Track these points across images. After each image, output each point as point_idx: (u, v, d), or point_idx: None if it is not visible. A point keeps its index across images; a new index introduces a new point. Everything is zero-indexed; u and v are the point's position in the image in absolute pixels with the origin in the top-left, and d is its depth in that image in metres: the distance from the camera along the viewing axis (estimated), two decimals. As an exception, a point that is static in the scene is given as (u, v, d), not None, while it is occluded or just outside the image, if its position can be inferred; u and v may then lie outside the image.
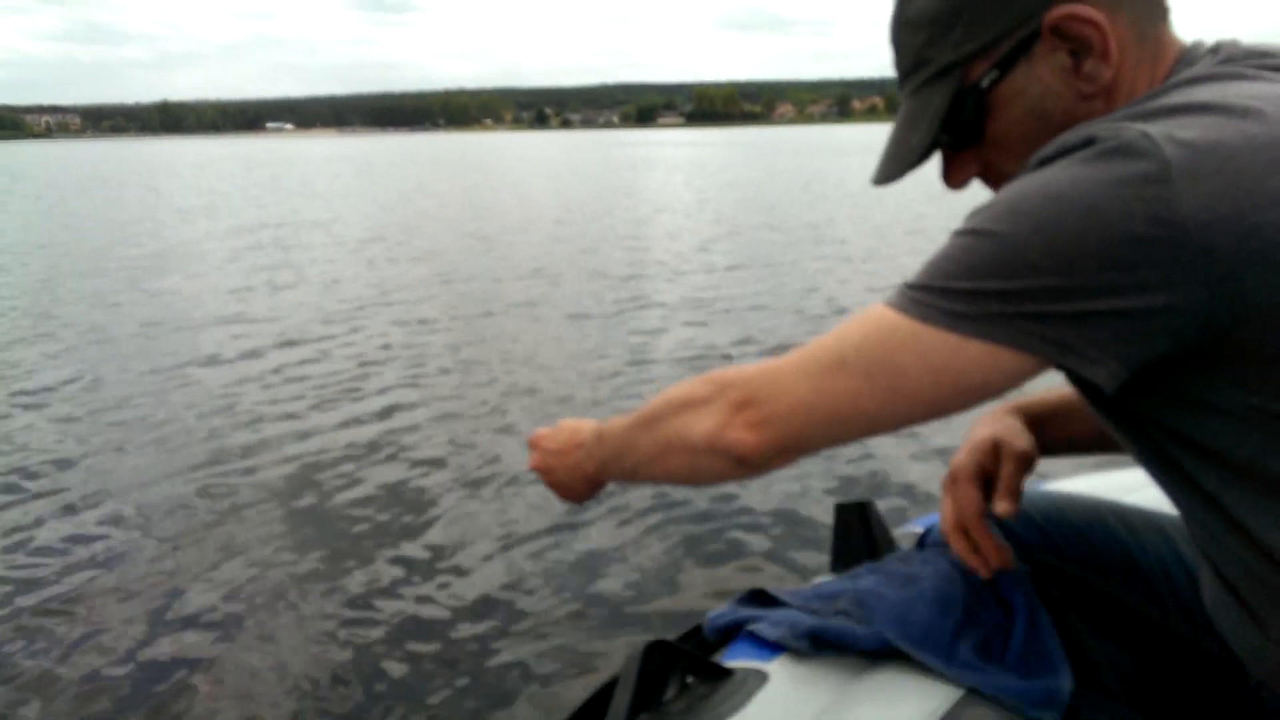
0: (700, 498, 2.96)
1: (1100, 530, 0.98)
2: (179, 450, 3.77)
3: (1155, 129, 0.57)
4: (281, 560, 2.73)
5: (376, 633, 2.30)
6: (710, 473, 0.75)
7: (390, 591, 2.51)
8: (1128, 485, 0.90)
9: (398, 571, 2.62)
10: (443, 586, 2.53)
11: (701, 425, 0.73)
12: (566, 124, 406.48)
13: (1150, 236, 0.56)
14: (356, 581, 2.57)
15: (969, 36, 0.71)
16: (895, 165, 0.78)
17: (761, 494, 3.01)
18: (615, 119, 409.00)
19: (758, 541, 2.73)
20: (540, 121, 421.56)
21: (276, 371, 5.00)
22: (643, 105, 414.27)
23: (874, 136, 58.72)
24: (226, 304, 6.99)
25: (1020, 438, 0.96)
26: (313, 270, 8.59)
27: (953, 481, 0.96)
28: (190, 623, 2.41)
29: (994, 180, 0.78)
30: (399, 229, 12.11)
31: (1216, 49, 0.68)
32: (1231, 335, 0.58)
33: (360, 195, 19.01)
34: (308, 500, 3.20)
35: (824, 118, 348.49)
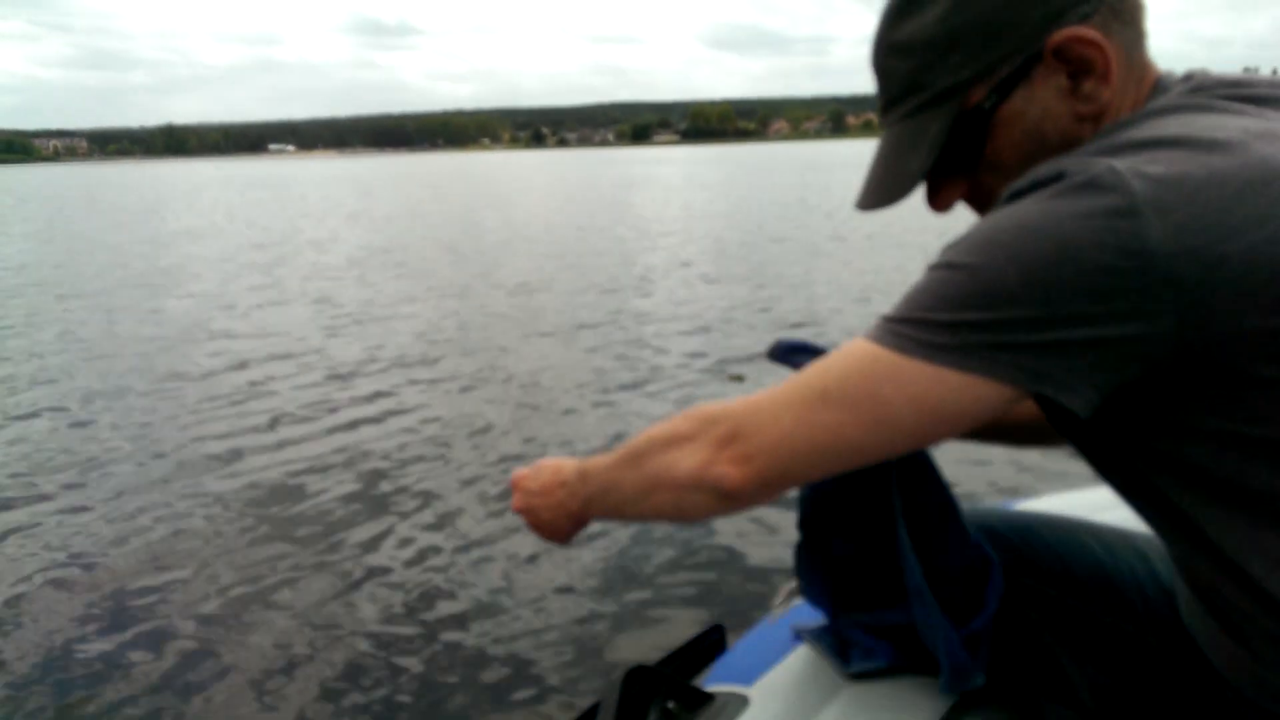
0: (676, 532, 2.96)
1: (1076, 549, 0.98)
2: (167, 456, 3.93)
3: (1122, 164, 0.59)
4: (253, 573, 2.81)
5: (350, 656, 2.31)
6: (696, 509, 0.75)
7: (367, 615, 2.51)
8: (1101, 503, 0.91)
9: (377, 593, 2.64)
10: (419, 611, 2.53)
11: (687, 462, 0.73)
12: (563, 143, 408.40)
13: (1121, 268, 0.57)
14: (328, 600, 2.60)
15: (968, 61, 0.71)
16: (887, 192, 0.78)
17: (741, 519, 3.02)
18: (611, 137, 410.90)
19: (737, 563, 2.74)
20: (537, 140, 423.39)
21: (266, 381, 5.18)
22: (638, 124, 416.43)
23: (867, 151, 57.77)
24: (223, 318, 7.20)
25: None
26: (309, 286, 8.82)
27: None
28: (169, 628, 2.48)
29: (981, 202, 0.79)
30: (394, 246, 12.47)
31: (1188, 77, 0.69)
32: (1203, 361, 0.59)
33: (358, 214, 19.52)
34: (287, 511, 3.28)
35: (818, 134, 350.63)
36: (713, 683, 0.99)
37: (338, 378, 5.26)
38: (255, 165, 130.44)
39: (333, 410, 4.60)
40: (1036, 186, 0.62)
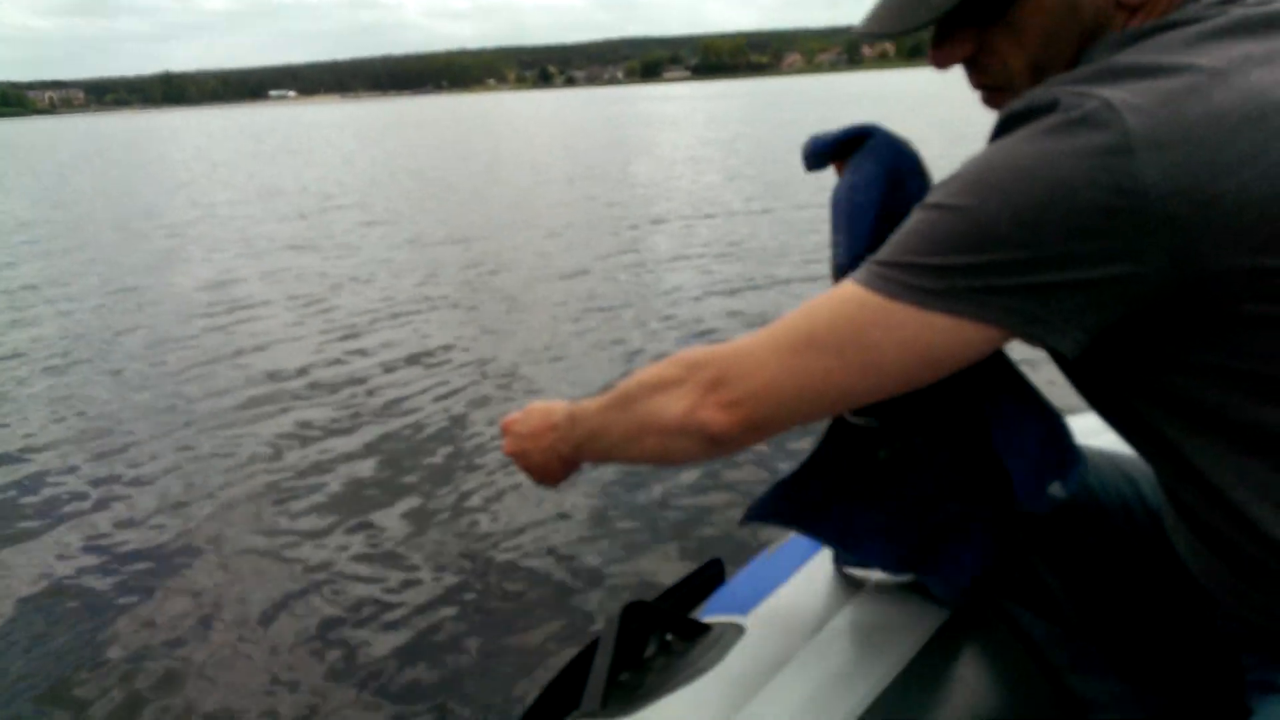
0: (673, 473, 3.00)
1: None
2: (163, 414, 3.94)
3: (1118, 96, 0.58)
4: (259, 527, 2.79)
5: (352, 603, 2.32)
6: (684, 453, 0.76)
7: (367, 562, 2.53)
8: (1090, 428, 0.94)
9: (376, 542, 2.64)
10: (413, 552, 2.55)
11: (674, 407, 0.73)
12: (570, 82, 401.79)
13: (1114, 207, 0.57)
14: (329, 550, 2.61)
15: None
16: (901, 18, 0.72)
17: (748, 455, 3.05)
18: (620, 75, 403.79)
19: (730, 501, 2.75)
20: (544, 80, 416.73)
21: (264, 344, 5.07)
22: (648, 60, 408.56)
23: (884, 83, 57.48)
24: (226, 273, 7.14)
25: None
26: (318, 236, 8.73)
27: None
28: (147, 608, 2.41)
29: (983, 70, 0.74)
30: (396, 194, 12.32)
31: None
32: (1192, 299, 0.60)
33: (364, 160, 19.12)
34: (285, 462, 3.29)
35: (833, 66, 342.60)
36: (710, 614, 1.01)
37: (344, 326, 5.18)
38: (257, 112, 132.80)
39: (334, 359, 4.55)
40: (1029, 117, 0.61)
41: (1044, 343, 0.64)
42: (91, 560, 2.69)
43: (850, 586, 1.02)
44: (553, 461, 0.94)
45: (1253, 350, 0.62)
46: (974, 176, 0.62)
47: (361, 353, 4.69)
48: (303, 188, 13.69)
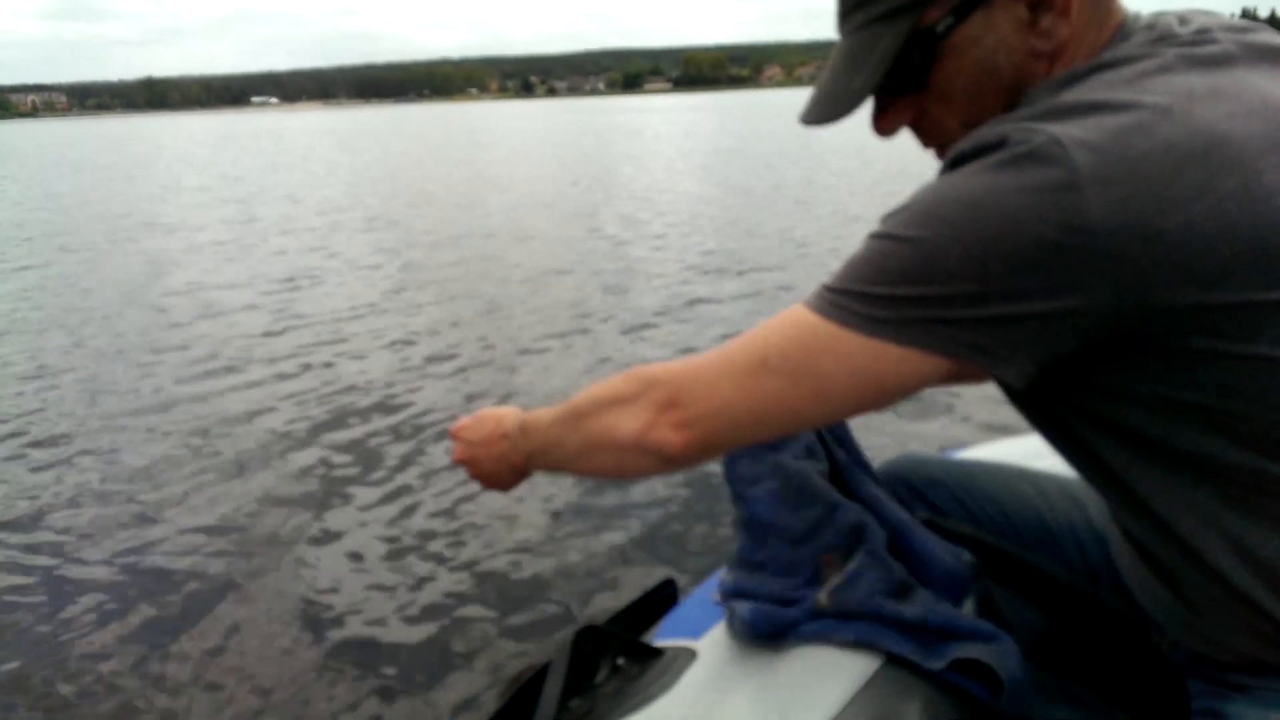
0: (629, 484, 2.95)
1: (1013, 496, 1.02)
2: (153, 412, 3.94)
3: (1066, 133, 0.58)
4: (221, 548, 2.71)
5: (305, 621, 2.27)
6: (636, 469, 0.76)
7: (317, 579, 2.46)
8: (1040, 450, 0.93)
9: (325, 558, 2.58)
10: (369, 577, 2.46)
11: (627, 424, 0.73)
12: (552, 92, 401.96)
13: (1061, 243, 0.57)
14: (286, 566, 2.54)
15: None
16: (832, 107, 0.75)
17: (685, 477, 3.00)
18: (601, 86, 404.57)
19: (688, 521, 2.71)
20: (526, 90, 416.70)
21: (253, 338, 5.13)
22: (629, 71, 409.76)
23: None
24: (212, 276, 7.18)
25: None
26: (293, 240, 8.75)
27: None
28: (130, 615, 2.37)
29: (926, 132, 0.76)
30: (378, 201, 12.32)
31: (1151, 25, 0.68)
32: (1139, 333, 0.60)
33: (343, 167, 19.06)
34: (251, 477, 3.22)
35: (812, 79, 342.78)
36: (663, 637, 1.00)
37: (317, 332, 5.15)
38: (239, 118, 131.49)
39: (311, 364, 4.51)
40: (978, 153, 0.62)
41: (991, 372, 0.64)
42: (82, 560, 2.68)
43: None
44: (503, 470, 0.94)
45: (1199, 383, 0.62)
46: (924, 209, 0.63)
47: (345, 355, 4.71)
48: (290, 194, 13.60)
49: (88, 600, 2.47)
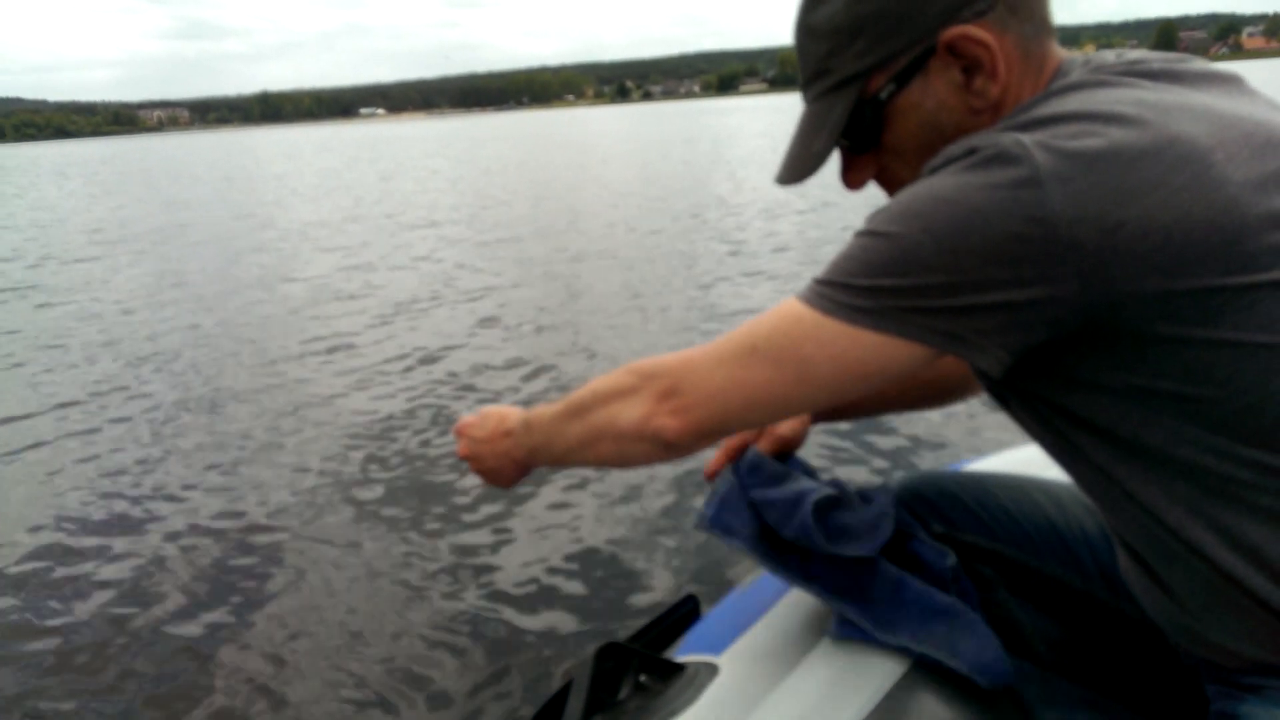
0: (646, 497, 2.89)
1: (1026, 506, 1.04)
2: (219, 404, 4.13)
3: (1028, 138, 0.63)
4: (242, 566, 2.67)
5: (320, 635, 2.25)
6: (639, 457, 0.80)
7: (341, 587, 2.45)
8: (1050, 460, 0.98)
9: (349, 568, 2.56)
10: (387, 587, 2.44)
11: (629, 414, 0.78)
12: (648, 96, 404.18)
13: (1026, 235, 0.61)
14: (309, 573, 2.54)
15: (869, 50, 0.75)
16: (799, 168, 0.83)
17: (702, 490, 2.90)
18: (696, 88, 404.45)
19: (711, 537, 2.64)
20: (621, 95, 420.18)
21: (333, 339, 5.22)
22: (724, 73, 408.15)
23: None
24: (333, 282, 7.47)
25: (786, 423, 1.09)
26: (390, 240, 9.04)
27: (718, 449, 1.07)
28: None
29: (888, 184, 0.83)
30: (479, 206, 12.61)
31: (1088, 61, 0.74)
32: (1106, 321, 0.63)
33: (450, 175, 19.61)
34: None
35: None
36: (684, 653, 1.01)
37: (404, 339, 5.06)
38: (349, 129, 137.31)
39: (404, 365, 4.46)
40: (950, 161, 0.67)
41: (968, 360, 0.69)
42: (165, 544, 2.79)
43: (824, 623, 0.99)
44: (506, 466, 0.98)
45: (1168, 371, 0.64)
46: (901, 207, 0.68)
47: (437, 347, 4.80)
48: (405, 200, 14.04)
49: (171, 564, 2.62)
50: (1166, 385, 0.65)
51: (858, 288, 0.68)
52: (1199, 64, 0.72)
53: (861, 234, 0.70)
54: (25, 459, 3.66)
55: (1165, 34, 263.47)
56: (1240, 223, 0.61)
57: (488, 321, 5.40)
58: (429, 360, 4.67)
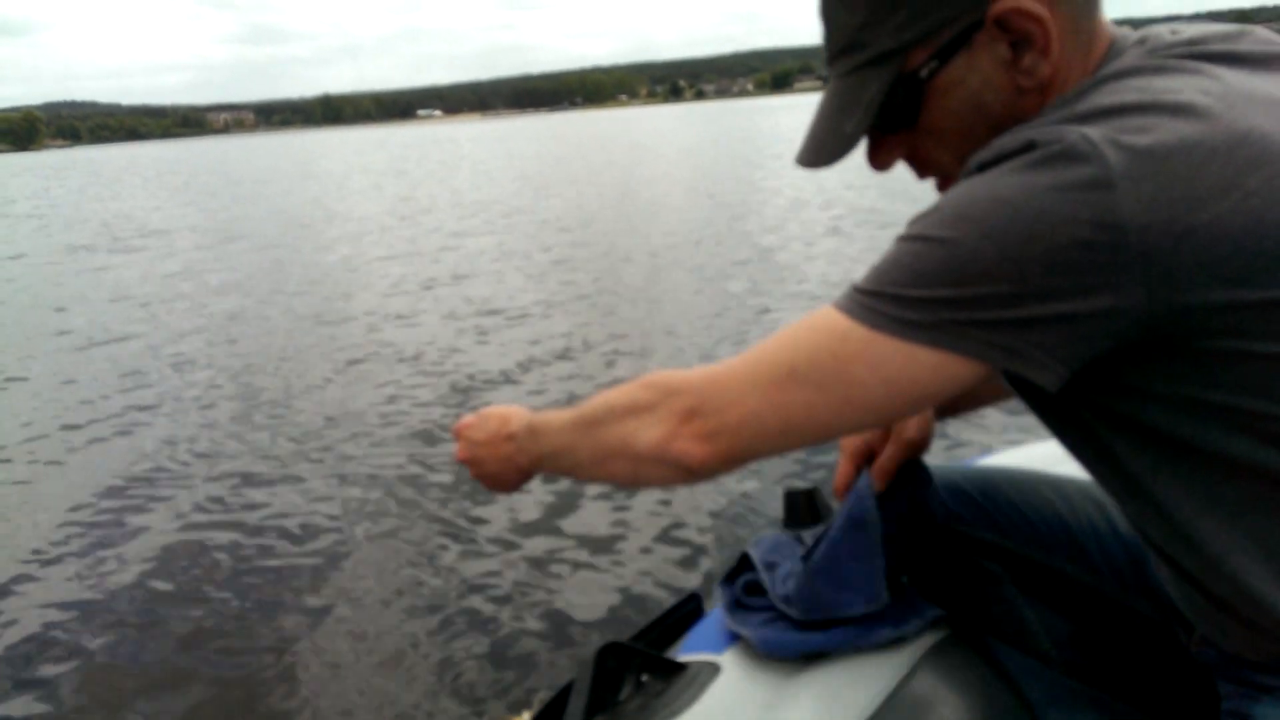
0: (651, 493, 2.86)
1: (1036, 502, 1.01)
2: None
3: (1096, 133, 0.58)
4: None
5: (305, 634, 2.27)
6: (655, 479, 0.75)
7: (348, 587, 2.47)
8: (1062, 455, 0.93)
9: (355, 567, 2.58)
10: (388, 589, 2.45)
11: (647, 434, 0.72)
12: (700, 95, 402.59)
13: (1094, 241, 0.57)
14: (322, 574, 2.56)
15: (910, 23, 0.69)
16: (827, 150, 0.76)
17: (708, 486, 2.90)
18: (750, 86, 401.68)
19: (707, 533, 2.63)
20: (674, 94, 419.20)
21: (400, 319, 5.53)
22: (777, 71, 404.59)
23: None
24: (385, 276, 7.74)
25: (913, 423, 0.99)
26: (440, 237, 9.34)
27: (841, 454, 1.02)
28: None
29: (921, 166, 0.78)
30: (534, 200, 12.93)
31: (1143, 40, 0.69)
32: (1168, 332, 0.60)
33: (506, 172, 20.03)
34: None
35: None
36: (687, 651, 1.00)
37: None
38: (407, 130, 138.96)
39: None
40: (1006, 157, 0.61)
41: (1025, 376, 0.63)
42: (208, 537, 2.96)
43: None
44: (508, 471, 0.92)
45: (1226, 383, 0.62)
46: (956, 209, 0.62)
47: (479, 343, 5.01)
48: (444, 193, 14.49)
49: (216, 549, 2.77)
50: (1220, 397, 0.62)
51: (910, 299, 0.62)
52: (1262, 38, 0.68)
53: (910, 238, 0.64)
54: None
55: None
56: None
57: (545, 324, 5.56)
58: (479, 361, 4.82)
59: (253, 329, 5.74)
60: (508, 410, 0.94)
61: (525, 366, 4.53)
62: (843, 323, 0.65)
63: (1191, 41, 0.66)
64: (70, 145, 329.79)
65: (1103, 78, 0.64)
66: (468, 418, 0.98)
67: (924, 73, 0.70)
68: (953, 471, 1.10)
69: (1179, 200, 0.56)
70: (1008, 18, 0.66)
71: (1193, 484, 0.66)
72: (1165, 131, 0.58)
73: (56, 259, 10.01)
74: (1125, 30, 0.71)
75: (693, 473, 0.71)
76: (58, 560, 2.85)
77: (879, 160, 0.78)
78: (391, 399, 4.14)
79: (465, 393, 4.20)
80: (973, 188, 0.62)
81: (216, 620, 2.41)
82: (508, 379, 4.40)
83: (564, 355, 4.64)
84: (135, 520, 3.08)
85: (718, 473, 0.71)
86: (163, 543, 2.91)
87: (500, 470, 0.93)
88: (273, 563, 2.71)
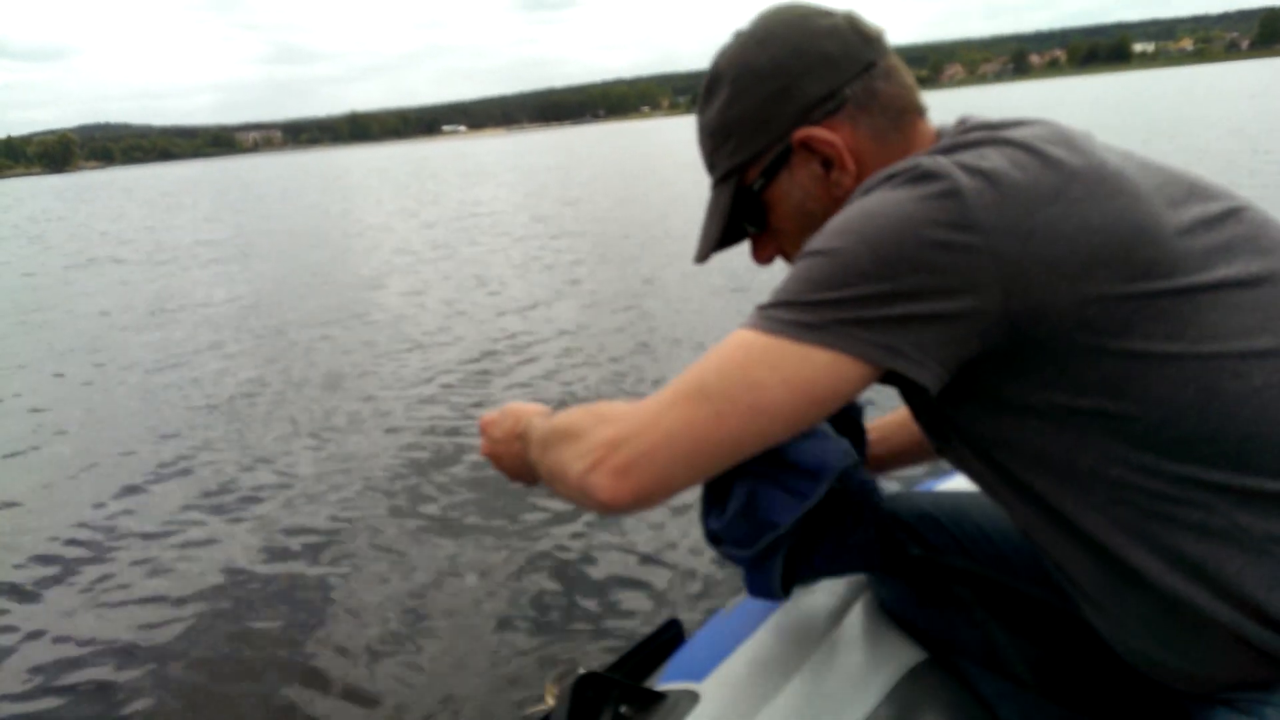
0: (627, 524, 2.82)
1: (1003, 526, 1.04)
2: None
3: (944, 160, 0.69)
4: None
5: (291, 657, 2.24)
6: (588, 508, 0.76)
7: (312, 623, 2.41)
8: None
9: (337, 593, 2.54)
10: (361, 616, 2.41)
11: (575, 465, 0.74)
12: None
13: (952, 242, 0.65)
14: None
15: (740, 148, 0.86)
16: (703, 247, 0.94)
17: (693, 511, 2.80)
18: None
19: (695, 558, 2.58)
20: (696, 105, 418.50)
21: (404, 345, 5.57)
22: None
23: (1054, 93, 54.26)
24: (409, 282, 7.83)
25: None
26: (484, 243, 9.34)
27: None
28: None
29: (787, 259, 0.92)
30: (553, 211, 12.89)
31: (961, 121, 0.81)
32: (1029, 334, 0.66)
33: (529, 184, 20.10)
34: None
35: (998, 77, 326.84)
36: (667, 680, 1.00)
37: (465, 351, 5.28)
38: (433, 145, 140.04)
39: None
40: (874, 186, 0.72)
41: (907, 376, 0.68)
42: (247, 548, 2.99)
43: (804, 648, 1.02)
44: (522, 468, 0.96)
45: (1089, 385, 0.67)
46: (837, 226, 0.71)
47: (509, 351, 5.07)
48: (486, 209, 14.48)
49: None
50: (1089, 402, 0.67)
51: (801, 304, 0.69)
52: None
53: (804, 255, 0.72)
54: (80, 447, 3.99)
55: (1268, 25, 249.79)
56: (1136, 231, 0.66)
57: (572, 319, 5.61)
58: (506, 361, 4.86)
59: (293, 334, 5.83)
60: (522, 409, 0.99)
61: (563, 364, 4.60)
62: (747, 336, 0.71)
63: (1003, 121, 0.76)
64: (104, 166, 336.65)
65: (934, 150, 0.74)
66: (490, 414, 1.03)
67: (756, 186, 0.87)
68: (920, 497, 1.12)
69: (1018, 206, 0.65)
70: (807, 142, 0.82)
71: (1090, 499, 0.70)
72: (998, 158, 0.68)
73: (68, 274, 10.21)
74: (944, 124, 0.84)
75: (606, 507, 0.72)
76: (106, 560, 2.92)
77: (758, 256, 0.94)
78: (416, 403, 4.19)
79: (493, 382, 4.26)
80: (848, 210, 0.72)
81: (218, 627, 2.44)
82: (545, 374, 4.51)
83: (600, 358, 4.66)
84: (194, 530, 3.12)
85: (631, 509, 0.72)
86: (193, 541, 2.97)
87: (515, 467, 0.98)
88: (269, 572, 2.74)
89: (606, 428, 0.73)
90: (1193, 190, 0.71)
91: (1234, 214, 0.71)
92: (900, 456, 1.19)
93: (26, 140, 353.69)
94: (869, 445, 1.16)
